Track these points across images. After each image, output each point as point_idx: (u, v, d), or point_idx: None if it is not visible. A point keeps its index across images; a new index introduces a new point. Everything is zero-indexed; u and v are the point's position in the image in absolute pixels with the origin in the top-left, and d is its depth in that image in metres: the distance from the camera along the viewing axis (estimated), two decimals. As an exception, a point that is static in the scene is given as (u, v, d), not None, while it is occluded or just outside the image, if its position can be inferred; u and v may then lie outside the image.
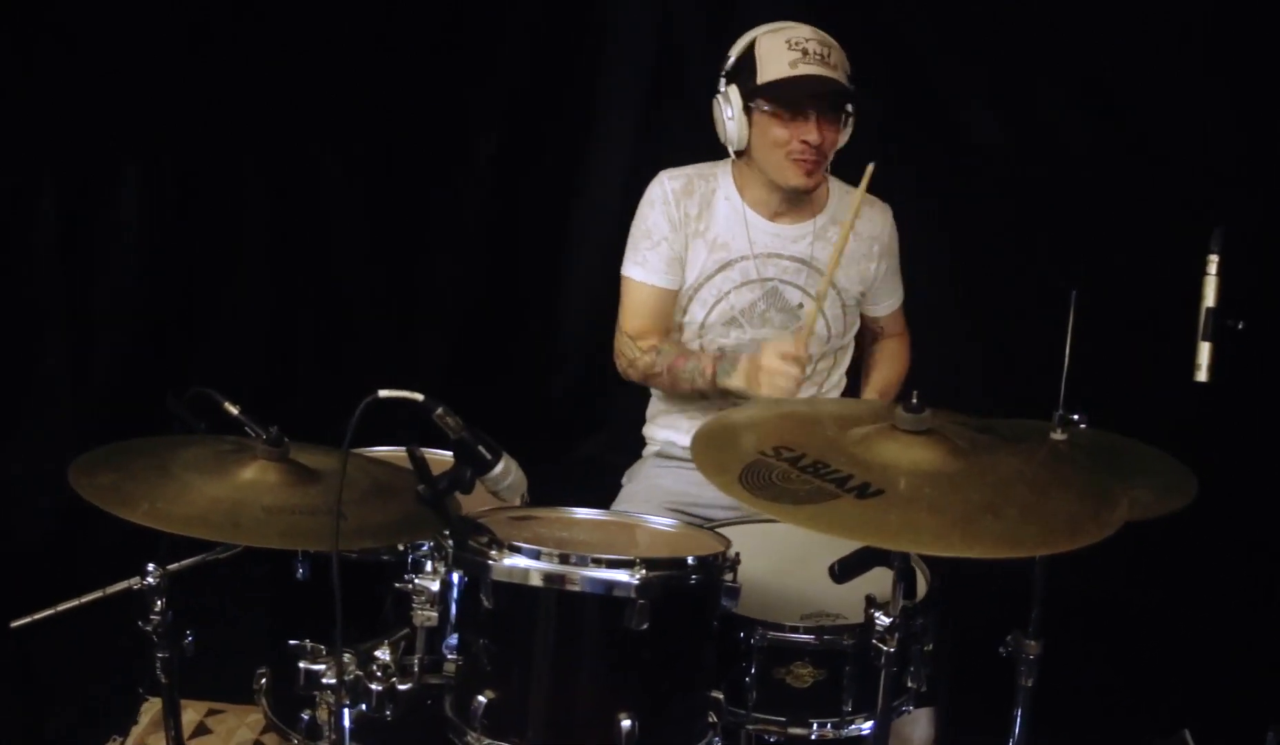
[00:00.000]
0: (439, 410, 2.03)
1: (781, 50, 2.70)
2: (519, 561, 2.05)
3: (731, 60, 2.80)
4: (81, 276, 3.84)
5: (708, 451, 2.12)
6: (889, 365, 3.11)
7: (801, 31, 2.73)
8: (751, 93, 2.75)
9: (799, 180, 2.77)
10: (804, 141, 2.73)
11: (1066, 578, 2.42)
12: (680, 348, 2.89)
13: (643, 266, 2.90)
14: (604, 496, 2.95)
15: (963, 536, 1.85)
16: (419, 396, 1.99)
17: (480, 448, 2.08)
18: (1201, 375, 2.30)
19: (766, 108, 2.74)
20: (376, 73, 3.95)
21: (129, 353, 3.95)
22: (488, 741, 2.07)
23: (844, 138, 2.82)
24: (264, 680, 2.57)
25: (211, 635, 2.43)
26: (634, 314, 2.93)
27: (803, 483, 1.94)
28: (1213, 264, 2.28)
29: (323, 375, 4.19)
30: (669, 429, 3.04)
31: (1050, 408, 2.31)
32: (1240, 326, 2.28)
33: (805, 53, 2.69)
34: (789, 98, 2.72)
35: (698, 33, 2.97)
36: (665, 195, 2.89)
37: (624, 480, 3.07)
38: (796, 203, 2.89)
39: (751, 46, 2.75)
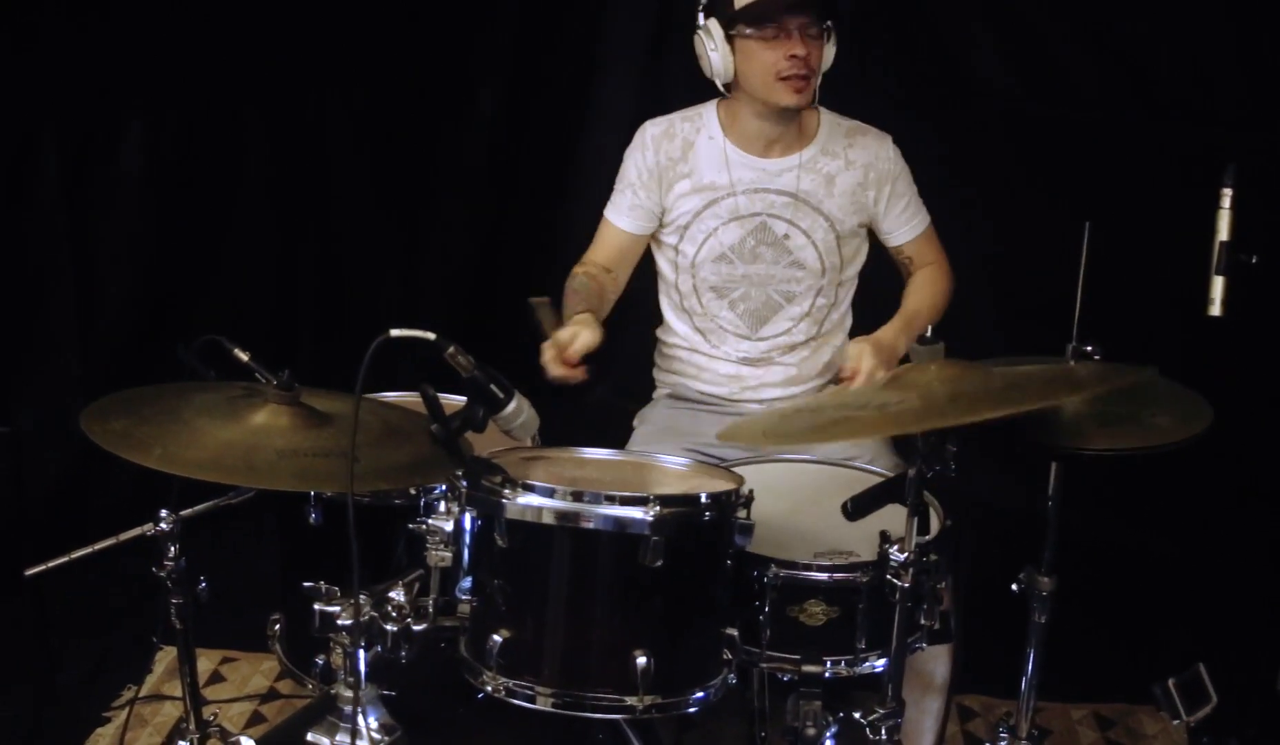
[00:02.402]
0: (450, 349, 2.02)
1: None
2: (532, 500, 2.05)
3: None
4: (85, 229, 3.82)
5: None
6: (916, 295, 3.02)
7: None
8: (731, 20, 2.76)
9: (791, 98, 2.77)
10: (792, 56, 2.72)
11: (1078, 516, 2.43)
12: (578, 287, 2.88)
13: (612, 206, 3.02)
14: (616, 439, 2.95)
15: (992, 401, 1.91)
16: (431, 335, 1.98)
17: (493, 386, 2.07)
18: (1215, 309, 2.30)
19: (748, 31, 2.75)
20: (377, 20, 3.92)
21: (134, 304, 3.94)
22: (503, 680, 2.08)
23: (829, 55, 2.81)
24: (278, 626, 2.59)
25: (224, 584, 2.43)
26: (594, 244, 3.04)
27: (823, 417, 2.00)
28: (1226, 198, 2.28)
29: (327, 323, 4.18)
30: (679, 374, 3.05)
31: (1061, 350, 2.30)
32: (1254, 260, 2.27)
33: None
34: (769, 15, 2.72)
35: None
36: (644, 143, 2.95)
37: (635, 422, 3.07)
38: (787, 132, 2.88)
39: None
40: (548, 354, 2.61)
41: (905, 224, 3.02)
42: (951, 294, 3.04)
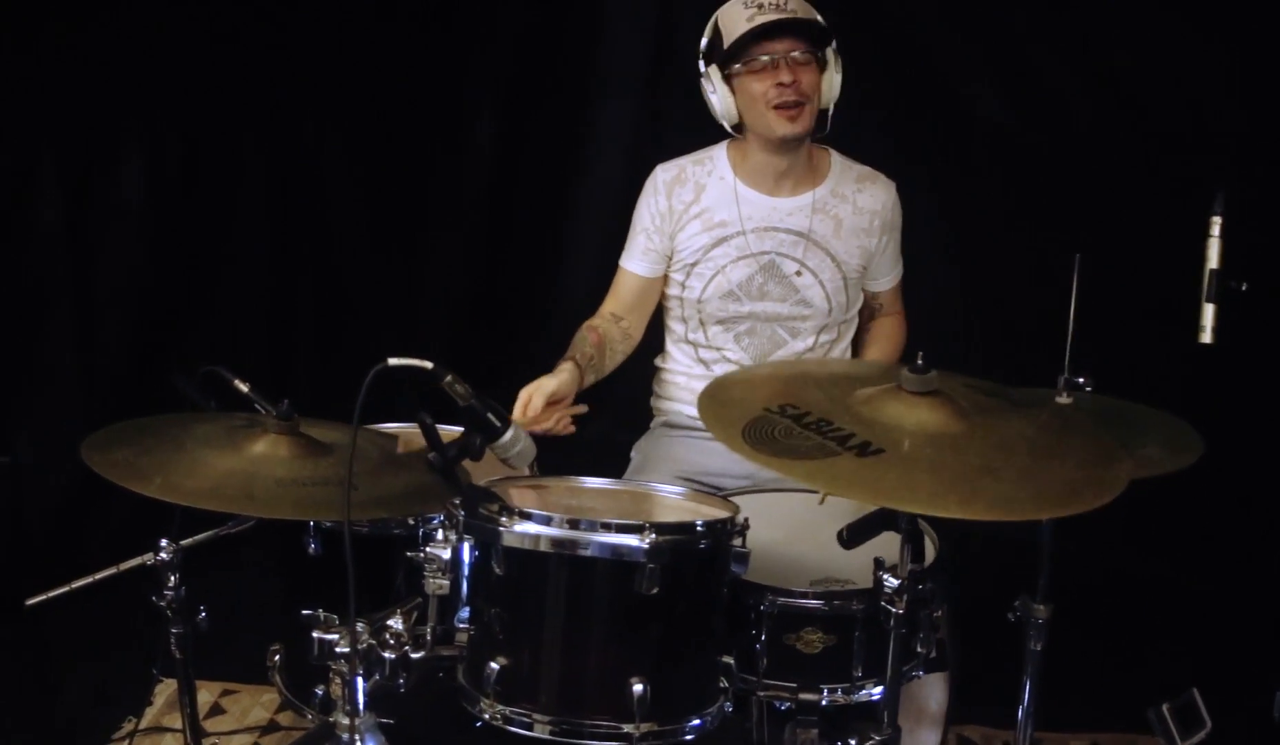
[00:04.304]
0: (448, 377, 2.04)
1: (739, 12, 2.80)
2: (529, 527, 2.06)
3: (705, 42, 2.88)
4: (85, 257, 3.84)
5: (713, 406, 2.14)
6: (884, 343, 3.13)
7: None
8: (724, 60, 2.81)
9: (785, 127, 2.80)
10: (779, 84, 2.76)
11: (1073, 543, 2.44)
12: (575, 340, 2.90)
13: (626, 253, 3.04)
14: (613, 471, 2.95)
15: (959, 498, 1.87)
16: (428, 364, 2.00)
17: (489, 414, 2.09)
18: (1206, 337, 2.32)
19: (739, 67, 2.80)
20: (375, 52, 3.95)
21: (133, 333, 3.95)
22: (500, 708, 2.08)
23: (830, 83, 2.84)
24: (277, 657, 2.59)
25: (224, 616, 2.45)
26: (609, 293, 3.06)
27: (804, 439, 1.96)
28: (1215, 226, 2.30)
29: (324, 355, 4.20)
30: (676, 400, 3.07)
31: (1052, 379, 2.32)
32: (1244, 288, 2.29)
33: (761, 6, 2.77)
34: (751, 45, 2.77)
35: (699, 16, 3.00)
36: (655, 187, 2.99)
37: (633, 453, 3.09)
38: (795, 167, 2.91)
39: (716, 22, 2.85)
40: (515, 409, 2.62)
41: (889, 272, 3.08)
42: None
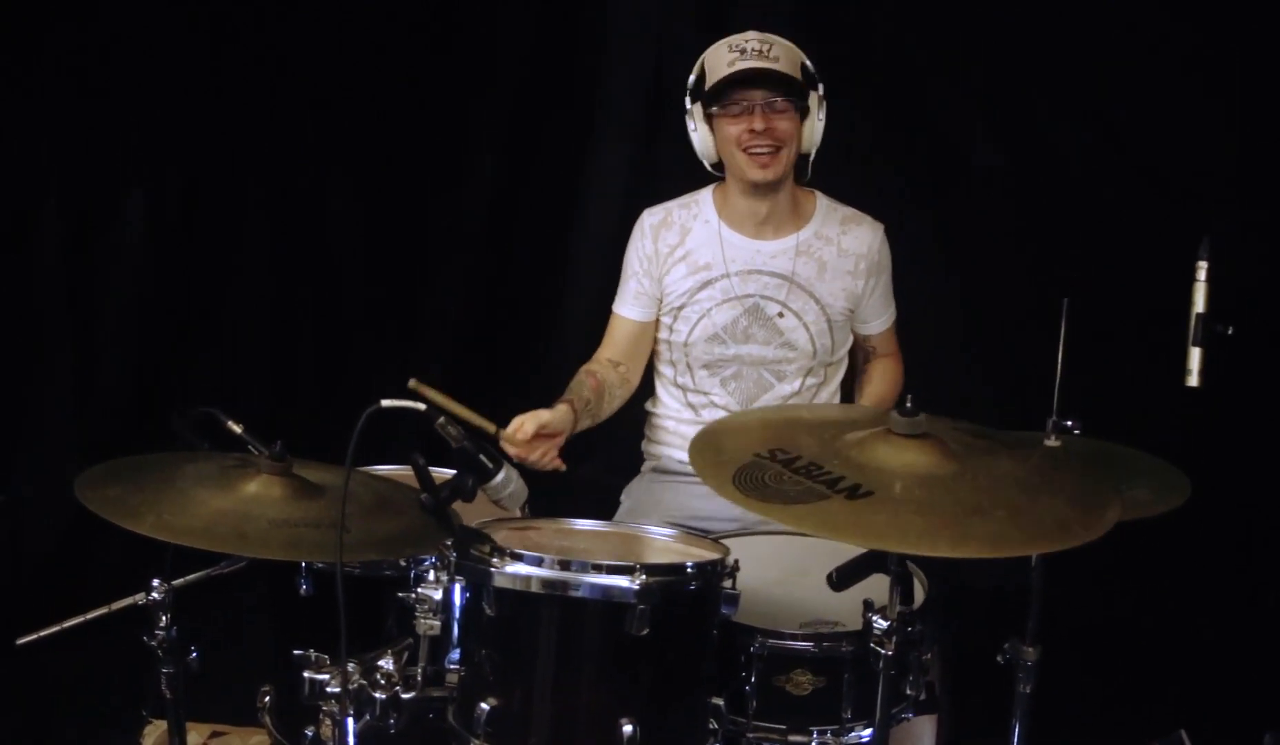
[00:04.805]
0: (440, 419, 2.06)
1: (723, 55, 2.82)
2: (520, 568, 2.07)
3: (692, 79, 2.90)
4: (85, 296, 3.86)
5: (704, 452, 2.15)
6: (880, 384, 3.13)
7: (746, 35, 2.83)
8: (705, 101, 2.84)
9: (756, 173, 2.82)
10: (751, 131, 2.78)
11: (1063, 586, 2.44)
12: (571, 383, 2.91)
13: (618, 299, 3.06)
14: (603, 516, 2.95)
15: (950, 537, 1.88)
16: (421, 406, 2.02)
17: (481, 456, 2.11)
18: (1193, 380, 2.33)
19: (716, 109, 2.82)
20: (375, 91, 3.99)
21: (132, 371, 3.96)
22: (491, 748, 2.09)
23: (811, 129, 2.87)
24: (267, 698, 2.58)
25: (214, 658, 2.44)
26: (604, 340, 3.08)
27: (794, 484, 1.96)
28: (1202, 270, 2.32)
29: (322, 393, 4.20)
30: (666, 445, 3.08)
31: (1043, 421, 2.33)
32: (1230, 331, 2.31)
33: (744, 52, 2.79)
34: (726, 91, 2.79)
35: (693, 57, 3.03)
36: (642, 231, 3.02)
37: (622, 497, 3.10)
38: (777, 210, 2.93)
39: (703, 60, 2.88)
40: (509, 427, 2.63)
41: (880, 315, 3.09)
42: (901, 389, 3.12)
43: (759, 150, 2.80)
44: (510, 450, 2.61)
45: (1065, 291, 2.32)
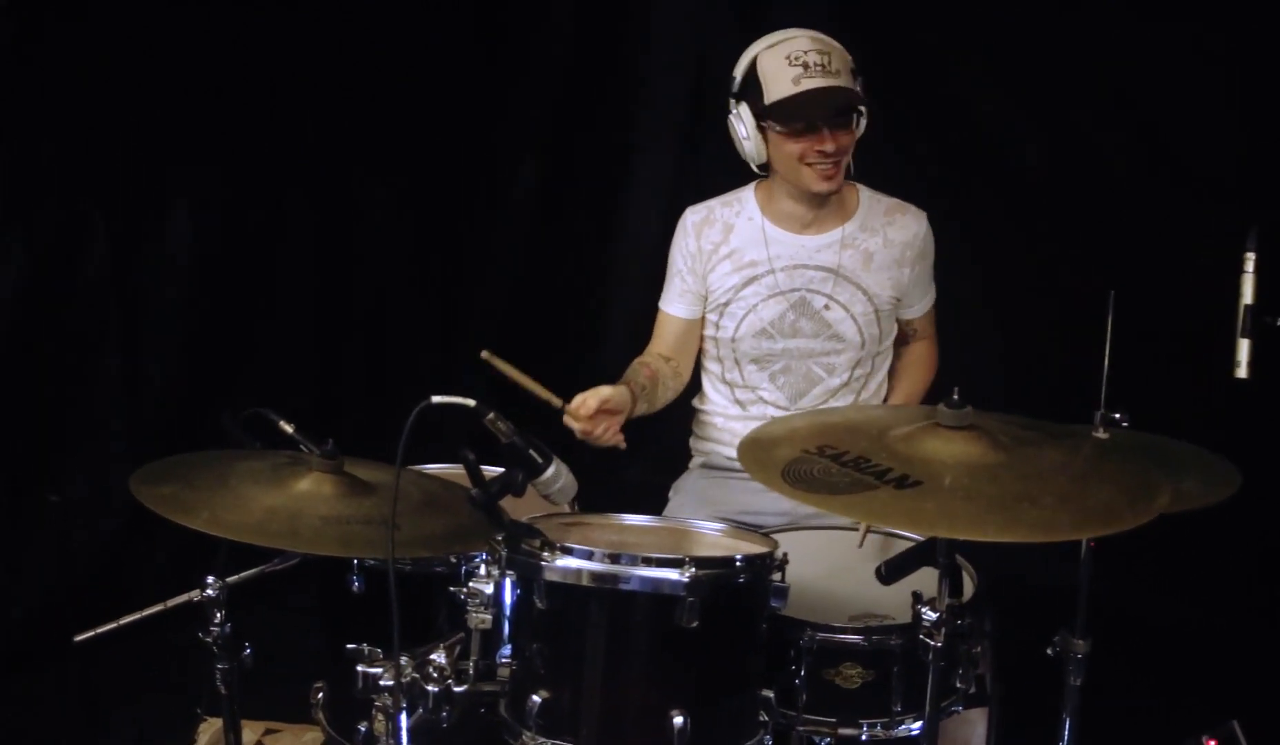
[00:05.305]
0: (490, 415, 2.08)
1: (783, 67, 2.74)
2: (571, 562, 2.08)
3: (738, 80, 2.84)
4: (135, 299, 3.90)
5: (753, 451, 2.16)
6: (916, 371, 3.15)
7: (799, 44, 2.75)
8: (762, 113, 2.79)
9: (820, 186, 2.82)
10: (820, 152, 2.77)
11: (1112, 580, 2.44)
12: (628, 371, 2.92)
13: (664, 296, 3.07)
14: (652, 512, 2.96)
15: (999, 523, 1.88)
16: (471, 402, 2.03)
17: (531, 451, 2.13)
18: (1241, 372, 2.31)
19: (778, 128, 2.79)
20: (416, 102, 4.02)
21: (180, 380, 4.00)
22: (542, 741, 2.10)
23: (858, 134, 2.85)
24: (320, 694, 2.59)
25: (267, 656, 2.47)
26: (653, 336, 3.09)
27: (843, 476, 1.98)
28: (1249, 262, 2.30)
29: (367, 400, 4.24)
30: (714, 441, 3.09)
31: (1085, 418, 2.32)
32: (1278, 323, 2.30)
33: (806, 67, 2.72)
34: (798, 115, 2.76)
35: (734, 56, 3.04)
36: (685, 229, 3.02)
37: (671, 493, 3.11)
38: (825, 210, 2.93)
39: (754, 64, 2.79)
40: (566, 416, 2.65)
41: (921, 299, 3.09)
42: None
43: (823, 164, 2.79)
44: (574, 425, 2.64)
45: (1112, 284, 2.32)
